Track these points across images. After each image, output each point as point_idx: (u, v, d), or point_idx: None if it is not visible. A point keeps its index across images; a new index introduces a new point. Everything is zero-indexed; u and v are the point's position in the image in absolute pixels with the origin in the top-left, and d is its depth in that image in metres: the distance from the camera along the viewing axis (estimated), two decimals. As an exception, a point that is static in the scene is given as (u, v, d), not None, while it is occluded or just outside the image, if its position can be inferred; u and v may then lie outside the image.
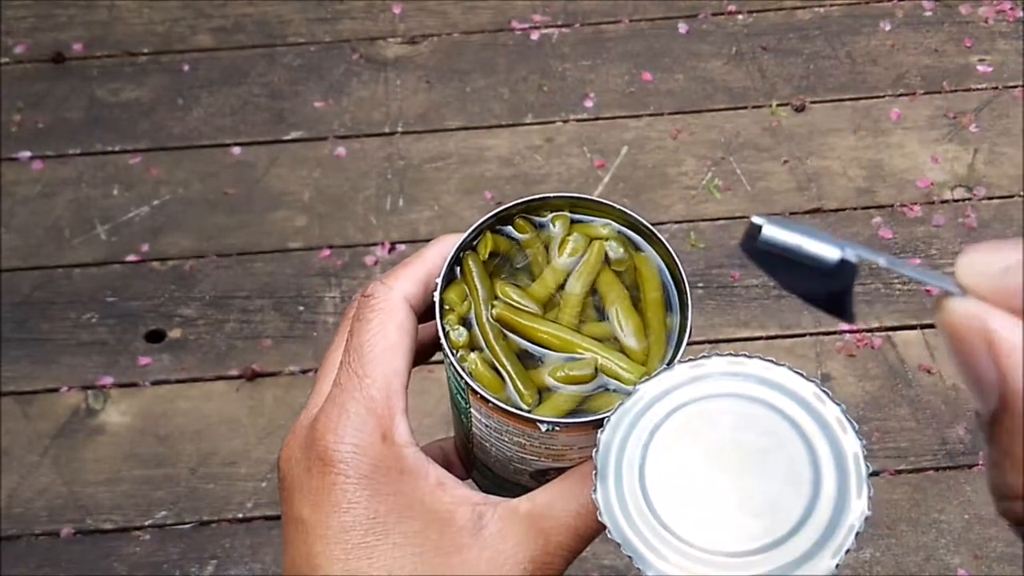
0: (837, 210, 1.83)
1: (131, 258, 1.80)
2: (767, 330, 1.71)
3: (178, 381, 1.70)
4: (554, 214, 0.58)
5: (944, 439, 1.62)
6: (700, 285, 1.74)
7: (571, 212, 0.58)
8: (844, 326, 1.70)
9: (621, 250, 0.57)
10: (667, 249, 0.55)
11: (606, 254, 0.57)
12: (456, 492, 0.51)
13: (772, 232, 0.35)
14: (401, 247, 1.79)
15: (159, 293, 1.77)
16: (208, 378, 1.70)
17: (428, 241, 1.81)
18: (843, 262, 0.34)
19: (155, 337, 1.73)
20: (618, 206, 0.57)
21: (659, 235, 0.56)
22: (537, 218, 0.58)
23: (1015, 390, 0.28)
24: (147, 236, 1.82)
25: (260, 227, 1.83)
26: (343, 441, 0.50)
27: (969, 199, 1.83)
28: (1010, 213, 1.82)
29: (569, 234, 0.58)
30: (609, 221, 0.58)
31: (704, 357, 0.48)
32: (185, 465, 1.63)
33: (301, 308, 1.75)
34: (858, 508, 0.43)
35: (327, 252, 1.80)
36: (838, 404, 0.46)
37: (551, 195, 0.57)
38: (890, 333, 1.70)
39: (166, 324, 1.74)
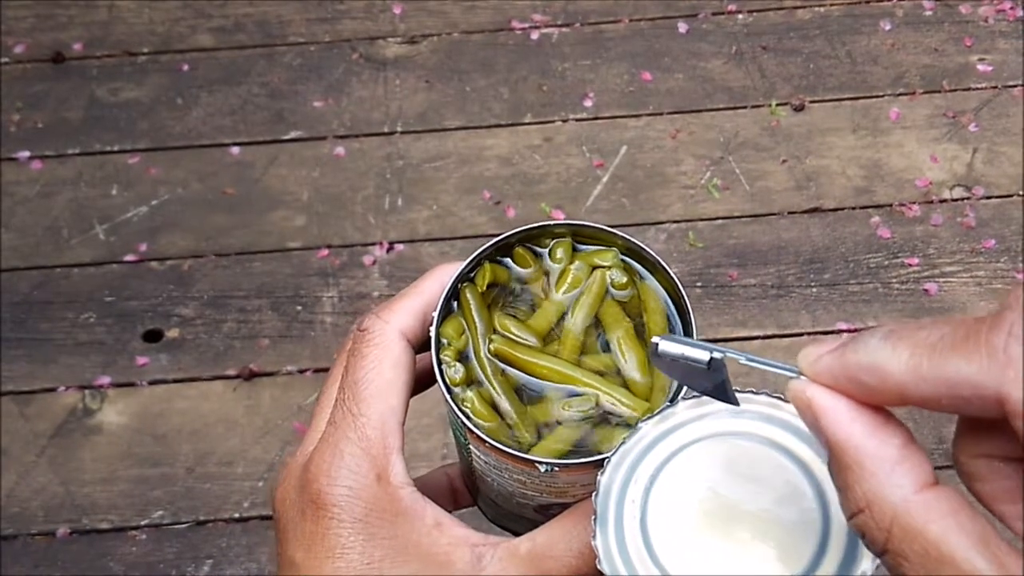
0: (836, 209, 1.82)
1: (129, 258, 1.80)
2: (765, 329, 1.71)
3: (175, 381, 1.70)
4: (555, 242, 0.56)
5: (941, 438, 1.62)
6: (699, 284, 1.74)
7: (573, 240, 0.56)
8: (843, 325, 1.70)
9: (624, 279, 0.55)
10: (671, 278, 0.54)
11: (609, 283, 0.55)
12: (454, 533, 0.50)
13: (665, 346, 0.42)
14: (400, 247, 1.79)
15: (157, 293, 1.77)
16: (205, 378, 1.70)
17: (427, 241, 1.80)
18: (711, 360, 0.41)
19: (153, 337, 1.73)
20: (621, 233, 0.55)
21: (663, 263, 0.54)
22: (538, 247, 0.56)
23: (830, 440, 0.36)
24: (145, 236, 1.82)
25: (259, 227, 1.83)
26: (336, 484, 0.49)
27: (968, 198, 1.83)
28: (1009, 212, 1.81)
29: (571, 263, 0.56)
30: (612, 249, 0.56)
31: None
32: (182, 465, 1.63)
33: (299, 308, 1.76)
34: (869, 555, 0.41)
35: (325, 252, 1.80)
36: None
37: (551, 223, 0.56)
38: (888, 333, 1.70)
39: (164, 324, 1.74)
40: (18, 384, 1.69)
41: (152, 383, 1.69)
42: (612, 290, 0.55)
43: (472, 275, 0.55)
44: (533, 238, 0.56)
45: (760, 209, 1.83)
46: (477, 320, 0.54)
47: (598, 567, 0.44)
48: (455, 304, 0.54)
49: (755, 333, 1.71)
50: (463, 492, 0.64)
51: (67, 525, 1.59)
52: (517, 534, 0.51)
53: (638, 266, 0.56)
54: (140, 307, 1.76)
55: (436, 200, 1.85)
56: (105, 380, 1.69)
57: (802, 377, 0.38)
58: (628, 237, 0.55)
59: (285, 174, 1.88)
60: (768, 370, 0.41)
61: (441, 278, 0.54)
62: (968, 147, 1.88)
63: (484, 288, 0.55)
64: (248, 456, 1.63)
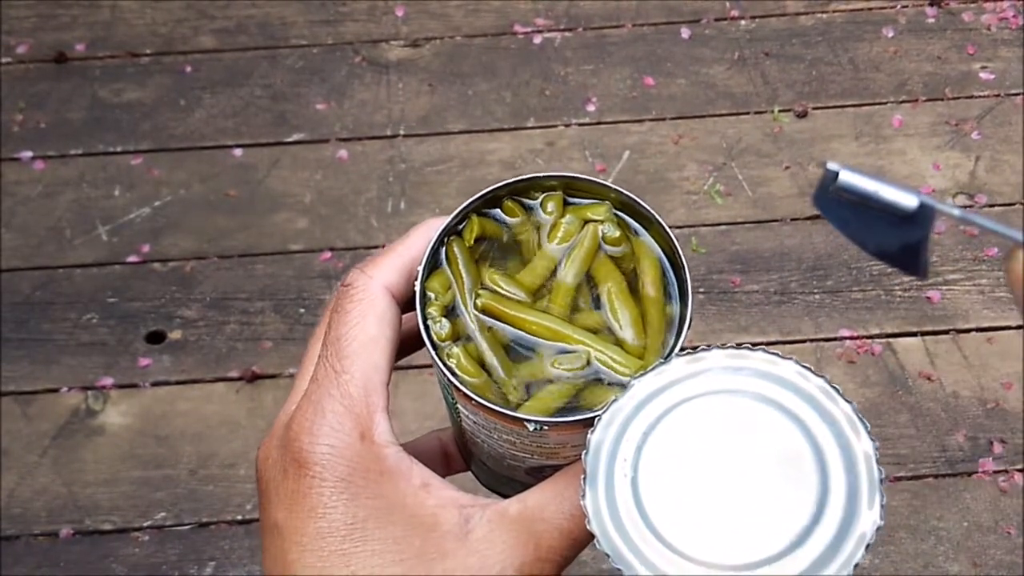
0: (838, 216, 1.82)
1: (132, 259, 1.79)
2: (767, 336, 1.71)
3: (178, 382, 1.70)
4: (546, 195, 0.54)
5: (944, 446, 1.62)
6: (701, 290, 1.74)
7: (564, 193, 0.54)
8: (846, 332, 1.70)
9: (617, 234, 0.53)
10: (666, 233, 0.51)
11: (601, 238, 0.53)
12: (442, 494, 0.48)
13: (849, 178, 0.34)
14: (402, 250, 1.79)
15: (160, 294, 1.77)
16: (208, 380, 1.70)
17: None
18: (922, 207, 0.34)
19: (155, 338, 1.73)
20: (615, 186, 0.53)
21: (658, 217, 0.52)
22: (528, 200, 0.55)
23: None
24: (148, 237, 1.82)
25: (261, 229, 1.83)
26: (319, 442, 0.47)
27: (971, 206, 1.83)
28: (1011, 221, 1.82)
29: (562, 217, 0.54)
30: (605, 202, 0.54)
31: (704, 350, 0.45)
32: (184, 466, 1.63)
33: (302, 310, 1.75)
34: (869, 517, 0.40)
35: (328, 254, 1.80)
36: (849, 401, 0.43)
37: (542, 175, 0.54)
38: (890, 340, 1.70)
39: (166, 325, 1.74)
40: (20, 384, 1.69)
41: (155, 384, 1.69)
42: (604, 245, 0.53)
43: (460, 229, 0.53)
44: (523, 190, 0.54)
45: (763, 215, 1.83)
46: (464, 275, 0.52)
47: (588, 527, 0.42)
48: (443, 258, 0.52)
49: (757, 339, 1.71)
50: (456, 457, 0.62)
51: (70, 526, 1.58)
52: None
53: (632, 221, 0.54)
54: (143, 308, 1.75)
55: (439, 204, 1.85)
56: (108, 381, 1.69)
57: None
58: (622, 190, 0.53)
59: (287, 176, 1.88)
60: (992, 230, 0.36)
61: (427, 231, 0.52)
62: (971, 155, 1.89)
63: (472, 242, 0.53)
64: (250, 458, 1.63)
